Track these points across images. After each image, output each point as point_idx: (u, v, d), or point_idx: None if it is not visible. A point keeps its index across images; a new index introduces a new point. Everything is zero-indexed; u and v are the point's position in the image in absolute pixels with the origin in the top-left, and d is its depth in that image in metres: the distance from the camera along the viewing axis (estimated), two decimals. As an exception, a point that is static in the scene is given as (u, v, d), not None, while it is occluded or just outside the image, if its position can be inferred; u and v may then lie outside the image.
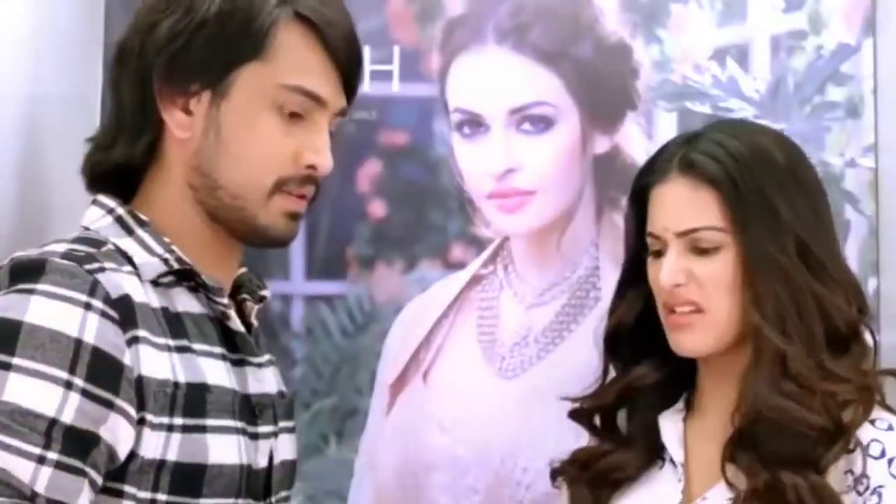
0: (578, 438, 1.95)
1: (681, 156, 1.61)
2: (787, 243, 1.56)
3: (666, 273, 1.60)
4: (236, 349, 1.48)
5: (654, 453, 1.66)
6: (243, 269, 1.55)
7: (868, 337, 1.60)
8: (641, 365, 1.70)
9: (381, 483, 2.04)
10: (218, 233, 1.47)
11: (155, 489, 1.38)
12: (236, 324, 1.48)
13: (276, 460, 1.51)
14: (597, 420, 1.72)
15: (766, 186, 1.57)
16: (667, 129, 2.04)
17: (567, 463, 1.73)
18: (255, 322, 1.54)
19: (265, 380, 1.51)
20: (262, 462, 1.48)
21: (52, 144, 2.07)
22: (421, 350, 2.05)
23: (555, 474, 1.73)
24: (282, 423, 1.54)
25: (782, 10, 2.05)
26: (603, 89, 2.05)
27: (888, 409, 1.60)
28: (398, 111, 2.10)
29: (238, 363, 1.47)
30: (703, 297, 1.59)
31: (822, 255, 1.58)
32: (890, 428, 1.55)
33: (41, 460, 1.30)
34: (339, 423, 2.06)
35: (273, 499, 1.51)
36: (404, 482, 2.00)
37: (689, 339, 1.61)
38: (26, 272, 1.35)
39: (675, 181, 1.60)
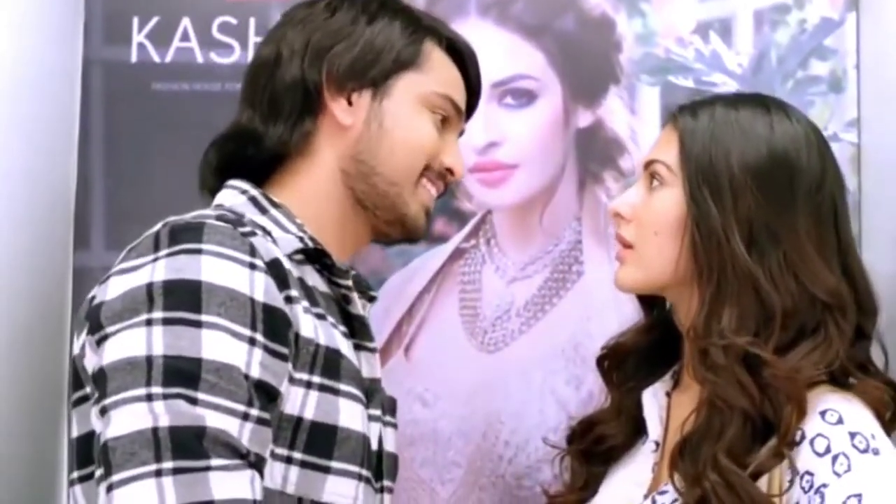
0: (560, 412, 1.96)
1: (681, 106, 1.66)
2: (730, 210, 1.55)
3: (615, 200, 1.67)
4: (353, 333, 1.56)
5: (641, 426, 1.67)
6: (354, 272, 1.66)
7: (834, 331, 1.54)
8: (632, 327, 1.72)
9: (362, 457, 2.04)
10: (355, 222, 1.60)
11: (291, 447, 1.43)
12: (357, 307, 1.58)
13: (385, 448, 1.58)
14: (614, 376, 1.74)
15: (731, 152, 1.57)
16: (649, 102, 2.03)
17: (567, 437, 1.75)
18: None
19: (376, 367, 1.59)
20: (374, 443, 1.55)
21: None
22: (403, 324, 2.05)
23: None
24: (387, 418, 1.61)
25: (765, -16, 2.05)
26: (586, 63, 2.04)
27: (861, 389, 1.55)
28: (381, 84, 2.09)
29: (355, 347, 1.55)
30: (636, 234, 1.62)
31: (784, 242, 1.55)
32: (839, 421, 1.48)
33: (246, 417, 1.35)
34: (321, 396, 2.06)
35: (384, 483, 1.58)
36: (386, 456, 2.00)
37: (620, 273, 1.65)
38: (187, 231, 1.41)
39: (665, 128, 1.66)
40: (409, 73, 1.60)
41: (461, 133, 1.69)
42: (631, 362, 1.72)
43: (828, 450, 1.47)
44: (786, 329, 1.54)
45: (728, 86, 2.02)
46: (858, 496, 1.43)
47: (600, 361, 1.76)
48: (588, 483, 1.71)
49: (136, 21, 2.08)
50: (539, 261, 2.04)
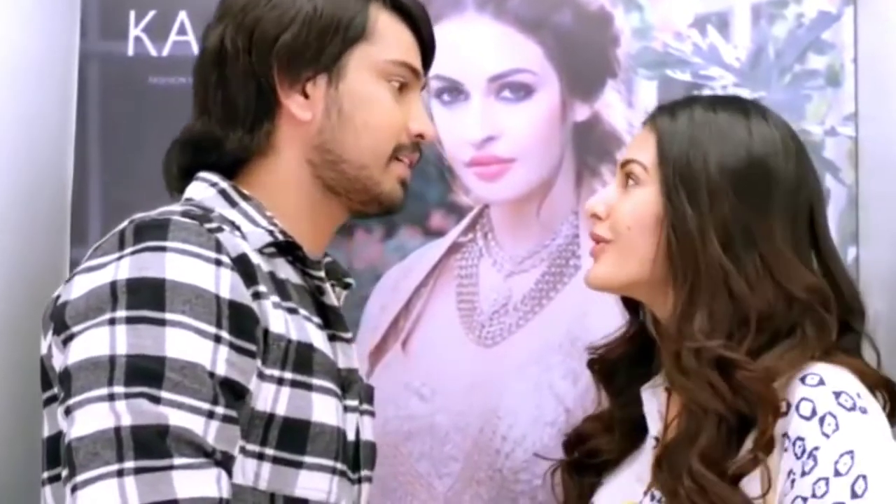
0: (558, 406, 1.96)
1: (659, 107, 1.69)
2: (706, 213, 1.55)
3: (591, 199, 1.69)
4: (328, 324, 1.56)
5: (641, 427, 1.67)
6: (329, 258, 1.65)
7: (812, 330, 1.54)
8: (618, 335, 1.72)
9: (360, 451, 2.04)
10: (328, 206, 1.58)
11: (263, 443, 1.42)
12: (330, 298, 1.57)
13: (363, 437, 1.58)
14: (607, 385, 1.75)
15: (709, 155, 1.57)
16: (647, 96, 2.03)
17: (563, 444, 1.75)
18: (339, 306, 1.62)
19: (352, 357, 1.59)
20: (351, 435, 1.54)
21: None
22: (400, 318, 2.04)
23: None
24: (365, 406, 1.61)
25: (763, -22, 2.04)
26: (583, 57, 2.04)
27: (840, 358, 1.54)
28: (378, 78, 2.09)
29: (330, 338, 1.55)
30: (613, 231, 1.62)
31: (760, 244, 1.55)
32: (821, 382, 1.48)
33: (211, 415, 1.33)
34: (318, 391, 2.05)
35: (362, 473, 1.57)
36: (383, 450, 1.98)
37: (594, 269, 1.65)
38: (152, 228, 1.40)
39: (643, 127, 1.67)
40: (359, 46, 1.56)
41: (424, 86, 1.66)
42: (622, 374, 1.72)
43: (814, 412, 1.47)
44: (761, 331, 1.54)
45: (726, 80, 2.01)
46: (850, 453, 1.43)
47: (591, 365, 1.76)
48: (582, 495, 1.71)
49: (132, 15, 2.08)
50: (536, 255, 2.04)
